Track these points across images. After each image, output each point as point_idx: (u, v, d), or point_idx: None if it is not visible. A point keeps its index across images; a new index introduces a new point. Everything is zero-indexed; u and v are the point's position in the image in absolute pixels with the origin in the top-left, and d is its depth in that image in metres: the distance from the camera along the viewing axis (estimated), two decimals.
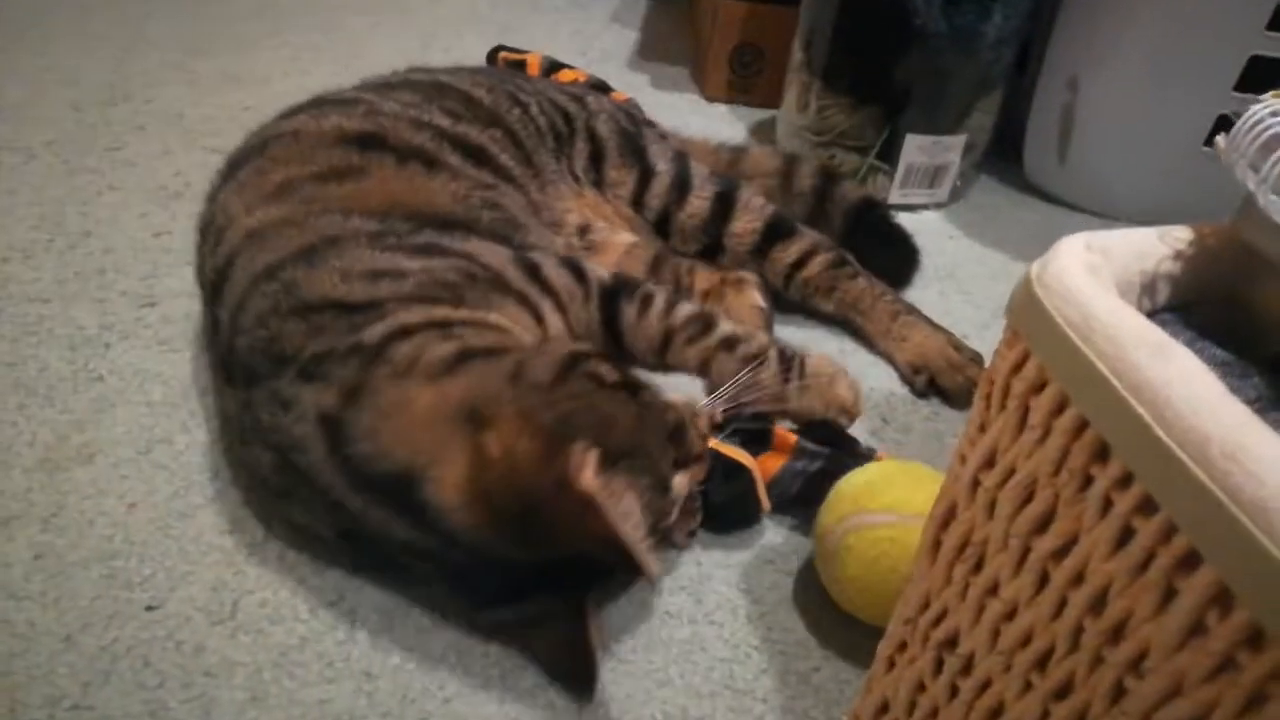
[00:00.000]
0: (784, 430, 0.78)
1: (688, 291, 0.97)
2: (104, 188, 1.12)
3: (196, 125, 1.26)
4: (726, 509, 0.74)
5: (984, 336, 0.97)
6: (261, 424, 0.66)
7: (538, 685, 0.65)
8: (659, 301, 0.83)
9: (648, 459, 0.61)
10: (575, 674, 0.63)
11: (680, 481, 0.65)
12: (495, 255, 0.77)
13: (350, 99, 0.91)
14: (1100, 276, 0.41)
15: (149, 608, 0.67)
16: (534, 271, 0.78)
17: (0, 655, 0.63)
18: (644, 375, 0.71)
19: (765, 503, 0.74)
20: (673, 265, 0.98)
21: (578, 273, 0.82)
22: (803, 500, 0.75)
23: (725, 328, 0.83)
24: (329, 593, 0.69)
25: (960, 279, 1.09)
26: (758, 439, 0.77)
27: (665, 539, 0.67)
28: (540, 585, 0.62)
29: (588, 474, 0.55)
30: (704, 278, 0.99)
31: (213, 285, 0.76)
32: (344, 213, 0.75)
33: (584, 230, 0.97)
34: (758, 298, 0.96)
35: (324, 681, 0.63)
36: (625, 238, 0.99)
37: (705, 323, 0.83)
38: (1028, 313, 0.42)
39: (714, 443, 0.74)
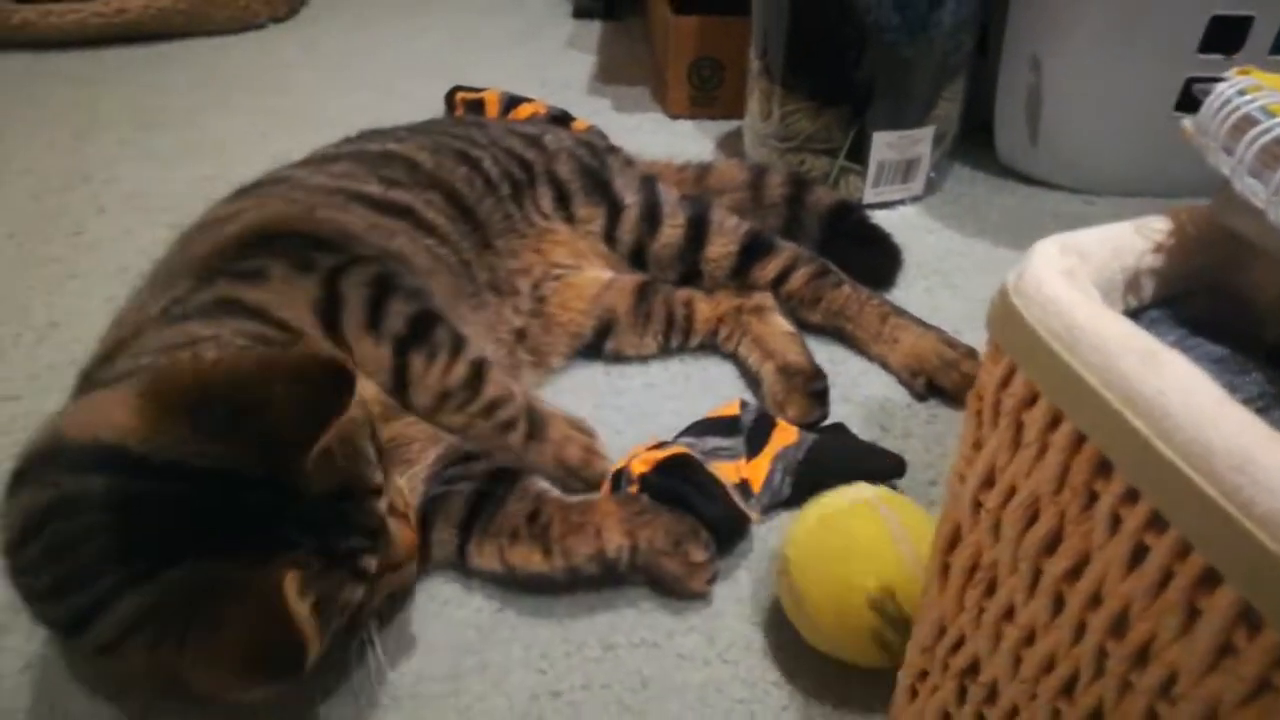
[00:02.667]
0: (786, 425, 0.81)
1: (685, 322, 0.96)
2: (67, 275, 1.10)
3: (157, 201, 1.25)
4: (719, 524, 0.73)
5: (975, 329, 0.94)
6: None
7: None
8: (440, 360, 0.78)
9: None
10: None
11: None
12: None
13: (275, 179, 0.91)
14: (1079, 280, 0.39)
15: None
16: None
17: None
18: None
19: (752, 514, 0.75)
20: (663, 296, 0.96)
21: (375, 328, 0.76)
22: (801, 489, 0.76)
23: (490, 391, 0.79)
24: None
25: (945, 272, 1.07)
26: (759, 436, 0.79)
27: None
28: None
29: None
30: (709, 305, 0.96)
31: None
32: None
33: (538, 284, 0.95)
34: (785, 322, 0.94)
35: None
36: (600, 274, 0.98)
37: (473, 389, 0.78)
38: (1008, 326, 0.40)
39: (679, 448, 0.76)
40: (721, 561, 0.73)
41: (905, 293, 1.03)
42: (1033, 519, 0.41)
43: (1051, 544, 0.40)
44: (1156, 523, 0.34)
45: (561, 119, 1.24)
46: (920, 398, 0.90)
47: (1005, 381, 0.41)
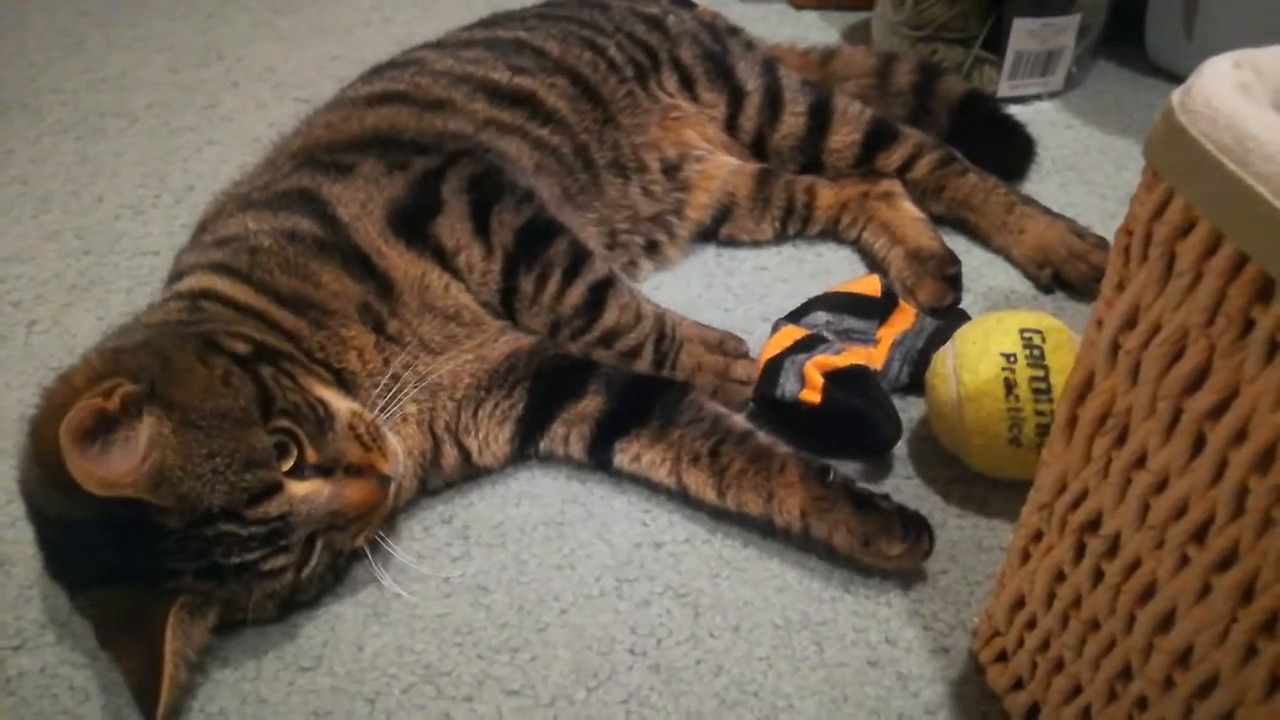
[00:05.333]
0: (905, 306, 0.79)
1: (805, 209, 0.94)
2: (203, 143, 1.14)
3: (287, 78, 1.28)
4: (892, 441, 0.70)
5: (1111, 227, 0.89)
6: None
7: (652, 594, 0.64)
8: (553, 283, 0.73)
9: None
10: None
11: (312, 489, 0.59)
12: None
13: (406, 61, 0.92)
14: (1254, 95, 0.36)
15: None
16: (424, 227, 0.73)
17: None
18: None
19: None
20: (784, 181, 0.95)
21: (485, 238, 0.73)
22: (919, 378, 0.74)
23: (609, 319, 0.74)
24: (440, 513, 0.69)
25: (1082, 169, 1.02)
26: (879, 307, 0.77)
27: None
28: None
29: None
30: (831, 191, 0.94)
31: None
32: None
33: (674, 169, 0.93)
34: (914, 208, 0.91)
35: (441, 597, 0.64)
36: (727, 161, 0.96)
37: (589, 317, 0.74)
38: (1170, 147, 0.37)
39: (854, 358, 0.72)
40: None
41: (1037, 187, 0.99)
42: (1177, 356, 0.39)
43: (1196, 381, 0.38)
44: None
45: (683, 2, 1.21)
46: (1046, 290, 0.86)
47: (1159, 211, 0.39)
